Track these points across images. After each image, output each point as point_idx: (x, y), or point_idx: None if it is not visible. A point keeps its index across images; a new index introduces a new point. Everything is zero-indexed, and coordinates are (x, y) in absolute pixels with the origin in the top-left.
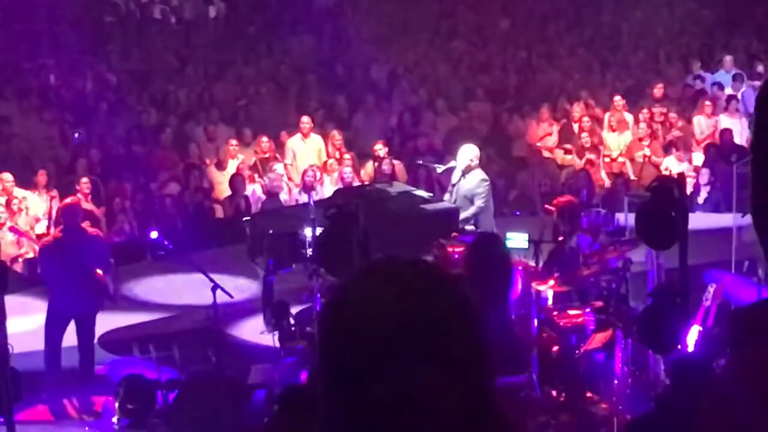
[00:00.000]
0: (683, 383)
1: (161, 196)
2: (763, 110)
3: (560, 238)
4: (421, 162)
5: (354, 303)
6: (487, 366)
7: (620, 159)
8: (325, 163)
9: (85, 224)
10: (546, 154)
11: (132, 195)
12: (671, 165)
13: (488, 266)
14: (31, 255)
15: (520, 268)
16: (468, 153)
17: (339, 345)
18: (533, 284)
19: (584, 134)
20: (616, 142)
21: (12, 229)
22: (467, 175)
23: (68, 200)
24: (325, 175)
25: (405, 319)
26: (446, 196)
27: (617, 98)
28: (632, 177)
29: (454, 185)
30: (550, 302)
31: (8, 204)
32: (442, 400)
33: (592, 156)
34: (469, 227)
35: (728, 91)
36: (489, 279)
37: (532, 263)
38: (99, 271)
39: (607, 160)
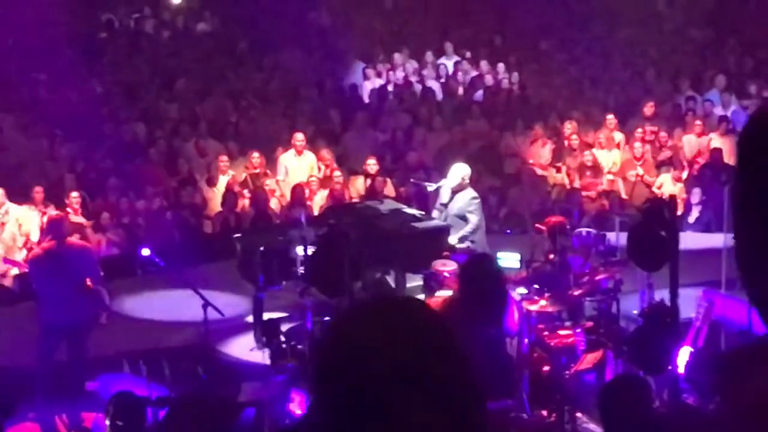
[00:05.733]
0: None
1: (151, 212)
2: (746, 148)
3: (551, 256)
4: (413, 180)
5: (350, 343)
6: (481, 402)
7: (609, 177)
8: (309, 181)
9: (74, 237)
10: (539, 172)
11: (120, 210)
12: (666, 183)
13: (481, 287)
14: (18, 271)
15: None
16: (459, 172)
17: (336, 384)
18: (524, 303)
19: (587, 153)
20: (605, 160)
21: (5, 260)
22: (458, 194)
23: (54, 213)
24: (316, 191)
25: (401, 357)
26: (435, 213)
27: (609, 117)
28: (624, 196)
29: (444, 204)
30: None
31: None
32: None
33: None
34: (462, 245)
35: (718, 110)
36: (482, 300)
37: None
38: (89, 282)
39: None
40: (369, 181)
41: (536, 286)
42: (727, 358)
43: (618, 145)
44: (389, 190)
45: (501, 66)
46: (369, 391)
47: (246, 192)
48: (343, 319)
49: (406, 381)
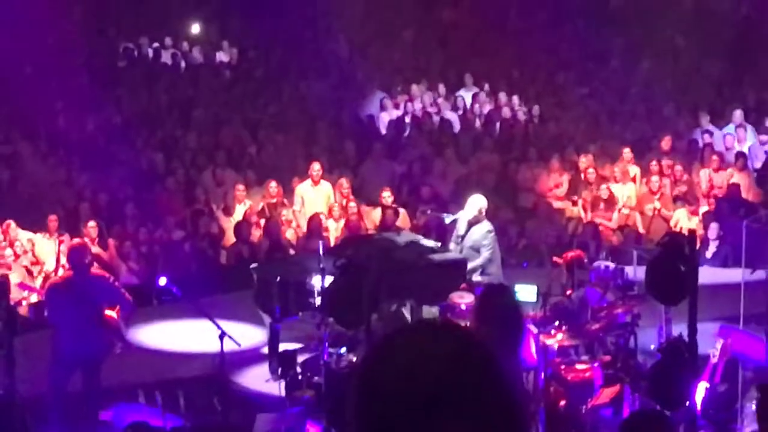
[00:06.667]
0: None
1: (170, 242)
2: None
3: (568, 292)
4: (429, 211)
5: (392, 366)
6: (520, 425)
7: (624, 211)
8: (330, 209)
9: (93, 267)
10: (557, 204)
11: (137, 239)
12: (681, 218)
13: (497, 317)
14: (35, 299)
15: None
16: (476, 204)
17: (378, 407)
18: (541, 337)
19: (603, 186)
20: (619, 193)
21: (21, 285)
22: (474, 226)
23: (75, 242)
24: (331, 221)
25: (442, 381)
26: (451, 245)
27: (626, 150)
28: (641, 230)
29: (460, 236)
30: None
31: (11, 245)
32: None
33: (603, 220)
34: (478, 278)
35: (736, 145)
36: (498, 331)
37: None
38: (110, 313)
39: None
40: (384, 213)
41: (555, 323)
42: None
43: (633, 179)
44: (404, 221)
45: (518, 99)
46: (410, 416)
47: (262, 221)
48: (386, 343)
49: (447, 406)
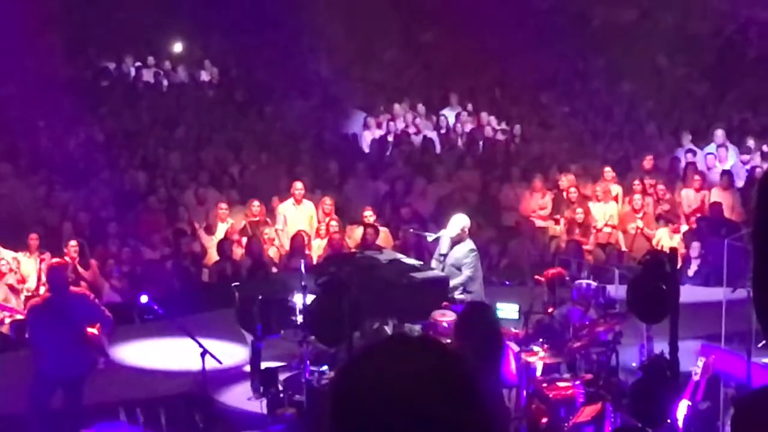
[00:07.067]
0: None
1: (151, 260)
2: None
3: (549, 310)
4: (412, 230)
5: (368, 380)
6: None
7: (606, 230)
8: (318, 229)
9: (74, 286)
10: (539, 223)
11: (120, 258)
12: (663, 237)
13: (478, 336)
14: (18, 317)
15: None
16: (459, 223)
17: (354, 421)
18: (523, 355)
19: (579, 210)
20: (601, 212)
21: (0, 306)
22: (457, 245)
23: (55, 261)
24: (317, 240)
25: (419, 396)
26: (433, 263)
27: (608, 169)
28: (623, 248)
29: (443, 255)
30: (538, 373)
31: None
32: None
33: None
34: (460, 296)
35: (717, 165)
36: (479, 349)
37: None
38: (92, 330)
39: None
40: (366, 231)
41: (538, 340)
42: (742, 402)
43: (615, 198)
44: (387, 240)
45: (500, 118)
46: (387, 430)
47: (244, 240)
48: (360, 357)
49: (425, 421)
